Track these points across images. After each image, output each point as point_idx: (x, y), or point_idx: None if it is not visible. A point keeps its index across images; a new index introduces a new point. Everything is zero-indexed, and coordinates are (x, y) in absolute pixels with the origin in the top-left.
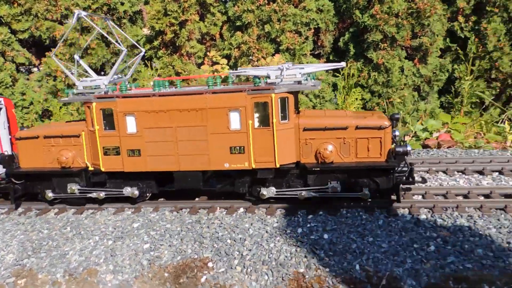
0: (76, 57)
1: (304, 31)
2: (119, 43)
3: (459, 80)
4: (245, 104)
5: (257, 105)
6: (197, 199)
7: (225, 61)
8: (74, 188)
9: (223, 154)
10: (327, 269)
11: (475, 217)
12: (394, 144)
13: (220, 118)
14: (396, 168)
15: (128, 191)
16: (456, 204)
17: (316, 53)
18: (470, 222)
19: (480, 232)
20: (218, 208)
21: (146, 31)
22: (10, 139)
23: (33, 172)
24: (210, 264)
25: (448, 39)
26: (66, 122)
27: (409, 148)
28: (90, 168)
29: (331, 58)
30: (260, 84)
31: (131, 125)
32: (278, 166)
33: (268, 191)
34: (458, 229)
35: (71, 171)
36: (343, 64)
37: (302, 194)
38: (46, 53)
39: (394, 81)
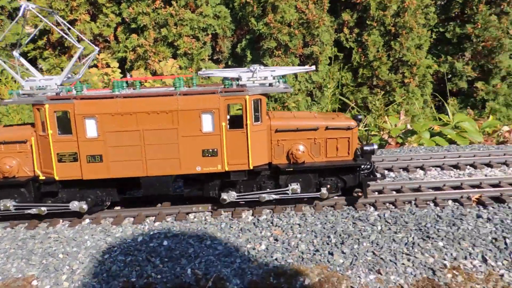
0: (16, 54)
1: (202, 36)
2: (73, 40)
3: (346, 87)
4: (218, 106)
5: (224, 106)
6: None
7: (116, 64)
8: (8, 204)
9: (195, 157)
10: (159, 276)
11: (308, 215)
12: (361, 143)
13: (192, 120)
14: (362, 166)
15: (75, 205)
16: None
17: (215, 58)
18: (302, 220)
19: (308, 229)
20: (61, 221)
21: (29, 29)
22: None
23: None
24: (34, 283)
25: (335, 49)
26: (5, 126)
27: (375, 146)
28: (41, 177)
29: (229, 63)
30: (231, 85)
31: (91, 128)
32: (251, 167)
33: (229, 196)
34: (290, 227)
35: (15, 181)
36: (313, 68)
37: (264, 196)
38: None
39: None
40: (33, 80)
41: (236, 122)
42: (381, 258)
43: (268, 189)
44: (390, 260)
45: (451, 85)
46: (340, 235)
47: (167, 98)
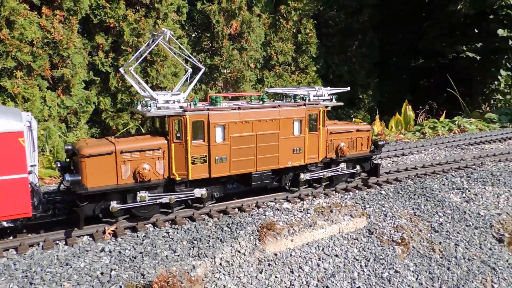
0: (132, 71)
1: None
2: (194, 60)
3: (105, 112)
4: (304, 115)
5: (310, 116)
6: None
7: None
8: (144, 195)
9: (288, 154)
10: None
11: None
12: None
13: (288, 126)
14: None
15: (197, 192)
16: None
17: None
18: None
19: None
20: None
21: None
22: None
23: (110, 190)
24: None
25: (91, 72)
26: (130, 135)
27: (384, 142)
28: (178, 178)
29: None
30: (299, 101)
31: (219, 135)
32: (320, 160)
33: (305, 175)
34: None
35: (151, 184)
36: (347, 88)
37: (325, 173)
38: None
39: (35, 111)
40: (165, 95)
41: (310, 127)
42: None
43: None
44: None
45: None
46: None
47: (272, 110)
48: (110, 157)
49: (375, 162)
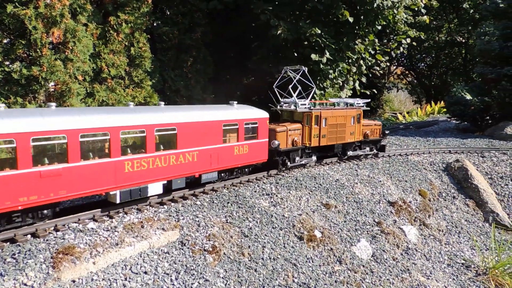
0: (275, 88)
1: None
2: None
3: None
4: (356, 113)
5: (356, 114)
6: None
7: None
8: (298, 159)
9: (348, 135)
10: None
11: None
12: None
13: (350, 119)
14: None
15: (314, 158)
16: None
17: None
18: None
19: None
20: None
21: None
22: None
23: (288, 150)
24: None
25: None
26: (278, 123)
27: (388, 132)
28: (307, 145)
29: None
30: (354, 105)
31: (324, 122)
32: (359, 140)
33: (351, 152)
34: None
35: (298, 148)
36: (368, 100)
37: (366, 150)
38: None
39: None
40: (302, 101)
41: (356, 120)
42: None
43: (357, 149)
44: None
45: None
46: None
47: (345, 110)
48: (285, 132)
49: (383, 144)
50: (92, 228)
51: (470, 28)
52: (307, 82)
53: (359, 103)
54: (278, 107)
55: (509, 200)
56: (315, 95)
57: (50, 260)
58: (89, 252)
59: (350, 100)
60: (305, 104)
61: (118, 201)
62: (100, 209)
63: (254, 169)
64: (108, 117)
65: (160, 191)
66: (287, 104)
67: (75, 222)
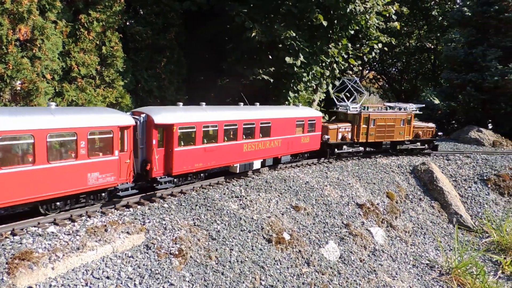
0: (333, 94)
1: None
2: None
3: None
4: (405, 117)
5: (407, 118)
6: None
7: None
8: (345, 147)
9: (397, 134)
10: None
11: None
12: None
13: (400, 122)
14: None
15: (361, 148)
16: None
17: None
18: None
19: None
20: None
21: None
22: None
23: (336, 143)
24: None
25: None
26: (333, 122)
27: (441, 133)
28: (355, 140)
29: None
30: (406, 109)
31: (373, 123)
32: (408, 139)
33: (400, 147)
34: None
35: (347, 142)
36: (423, 105)
37: (417, 144)
38: None
39: None
40: (354, 105)
41: (405, 122)
42: None
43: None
44: None
45: None
46: None
47: (393, 113)
48: (336, 129)
49: (436, 144)
50: (52, 232)
51: (438, 34)
52: (359, 89)
53: (412, 108)
54: (335, 109)
55: (472, 202)
56: (288, 98)
57: (5, 266)
58: (48, 257)
59: (403, 105)
60: (356, 108)
61: (237, 171)
62: (61, 212)
63: (309, 156)
64: (240, 113)
65: (259, 166)
66: (342, 107)
67: (34, 226)
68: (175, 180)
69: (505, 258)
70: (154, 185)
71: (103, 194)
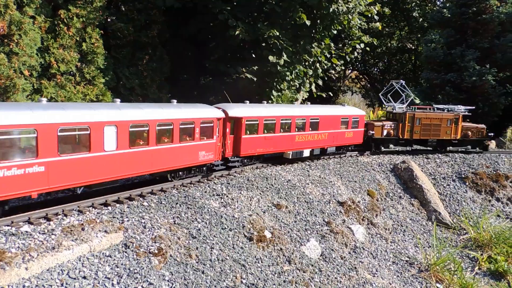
0: (381, 97)
1: None
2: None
3: None
4: (452, 117)
5: (454, 118)
6: None
7: None
8: (391, 145)
9: (444, 133)
10: None
11: None
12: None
13: (446, 122)
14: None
15: (393, 147)
16: None
17: None
18: None
19: None
20: None
21: None
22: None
23: (381, 139)
24: None
25: None
26: (379, 120)
27: (493, 134)
28: (400, 137)
29: None
30: (454, 111)
31: (417, 122)
32: (456, 138)
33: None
34: None
35: (393, 138)
36: (473, 107)
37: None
38: None
39: None
40: (400, 105)
41: (452, 122)
42: None
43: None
44: None
45: None
46: None
47: (439, 114)
48: (381, 126)
49: (487, 143)
50: (27, 231)
51: (419, 35)
52: (406, 90)
53: (461, 109)
54: (384, 108)
55: (450, 200)
56: (272, 97)
57: None
58: (22, 257)
59: (451, 106)
60: (402, 107)
61: (290, 157)
62: (37, 211)
63: (354, 149)
64: (293, 110)
65: (308, 154)
66: (389, 107)
67: (8, 225)
68: (244, 160)
69: (481, 254)
70: (228, 164)
71: (203, 168)
